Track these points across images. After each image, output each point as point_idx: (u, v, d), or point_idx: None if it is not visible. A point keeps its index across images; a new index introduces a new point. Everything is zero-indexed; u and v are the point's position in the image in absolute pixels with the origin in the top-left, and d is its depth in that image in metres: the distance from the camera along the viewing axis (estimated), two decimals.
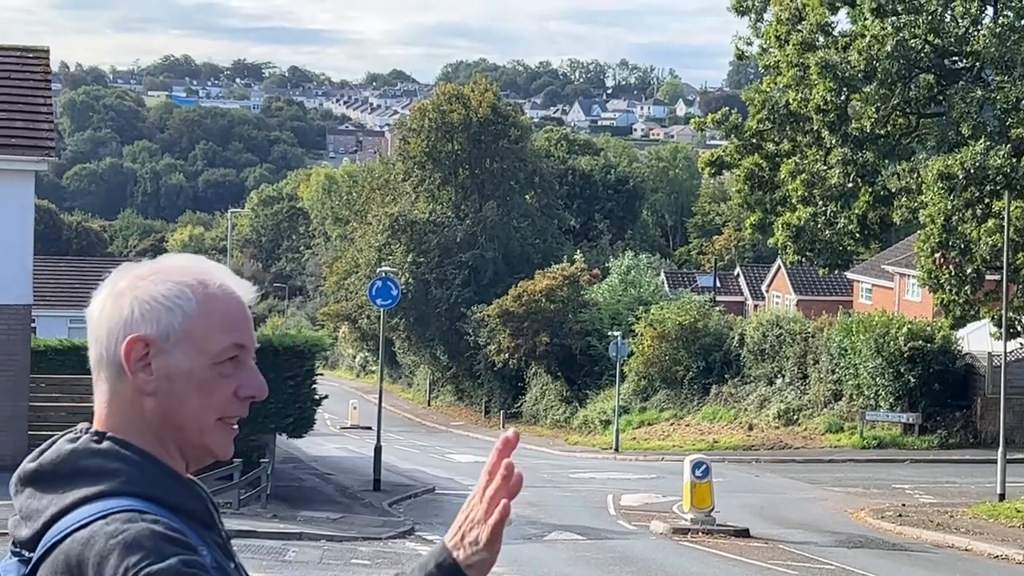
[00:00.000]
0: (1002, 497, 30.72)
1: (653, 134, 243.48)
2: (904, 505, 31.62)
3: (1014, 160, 34.37)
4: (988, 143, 34.43)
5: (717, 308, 59.06)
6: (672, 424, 52.78)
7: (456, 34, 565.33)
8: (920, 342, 44.04)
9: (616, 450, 49.22)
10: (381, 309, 37.19)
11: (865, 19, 36.97)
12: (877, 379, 44.75)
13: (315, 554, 21.48)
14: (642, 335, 54.77)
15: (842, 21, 39.42)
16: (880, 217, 38.51)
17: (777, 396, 49.53)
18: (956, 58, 37.44)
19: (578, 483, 38.05)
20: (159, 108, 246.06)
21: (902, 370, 44.05)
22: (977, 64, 36.77)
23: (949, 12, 36.47)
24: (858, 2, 37.11)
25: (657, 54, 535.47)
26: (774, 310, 61.60)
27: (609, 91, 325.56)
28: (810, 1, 37.55)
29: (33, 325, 27.80)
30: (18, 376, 25.61)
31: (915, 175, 37.29)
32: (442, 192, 72.40)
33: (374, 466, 33.99)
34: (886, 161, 37.83)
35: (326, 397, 33.27)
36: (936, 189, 34.76)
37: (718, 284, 76.78)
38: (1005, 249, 31.91)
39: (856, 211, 37.87)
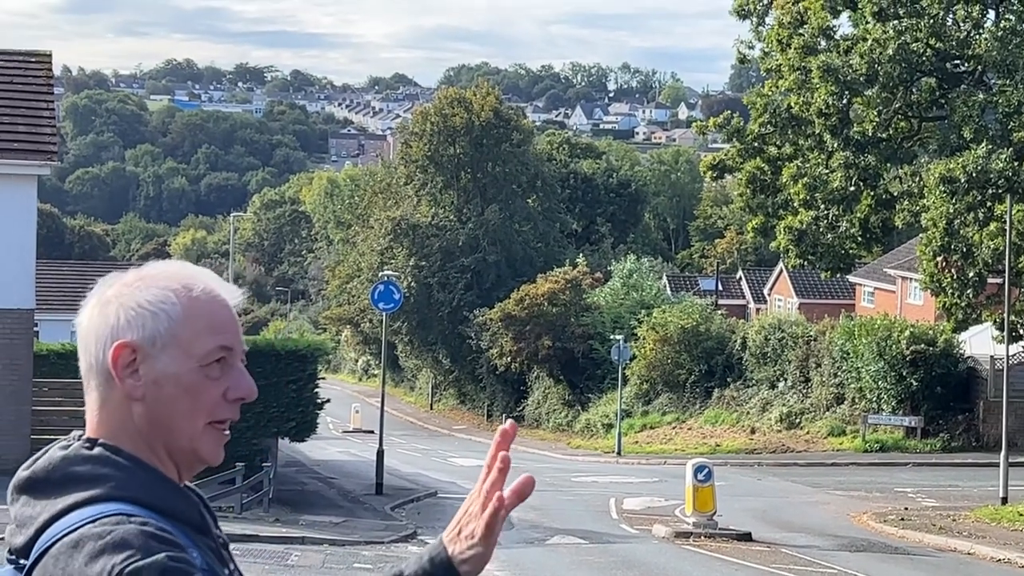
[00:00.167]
0: (1004, 501, 30.69)
1: (655, 138, 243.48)
2: (906, 509, 31.60)
3: (1016, 163, 34.40)
4: (990, 147, 34.44)
5: (719, 311, 59.05)
6: (674, 428, 52.76)
7: (458, 38, 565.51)
8: (922, 345, 44.01)
9: (618, 454, 49.20)
10: (383, 313, 37.20)
11: (867, 23, 36.99)
12: (879, 382, 44.73)
13: (317, 558, 21.49)
14: (644, 339, 54.77)
15: (844, 25, 39.48)
16: (882, 221, 38.53)
17: (779, 400, 49.51)
18: (958, 62, 37.45)
19: (580, 487, 38.04)
20: (161, 112, 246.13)
21: (904, 373, 44.03)
22: (979, 68, 36.79)
23: (951, 16, 36.51)
24: (860, 6, 37.13)
25: (659, 58, 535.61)
26: (776, 313, 61.58)
27: (611, 95, 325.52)
28: (812, 5, 37.57)
29: (35, 329, 27.84)
30: (20, 380, 25.63)
31: (917, 179, 37.33)
32: (444, 196, 72.39)
33: (376, 470, 33.99)
34: (888, 165, 37.88)
35: (328, 401, 33.26)
36: (938, 193, 34.78)
37: (720, 287, 76.74)
38: (1007, 252, 31.91)
39: (858, 215, 37.89)
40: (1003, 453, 31.25)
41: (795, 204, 38.28)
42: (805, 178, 37.58)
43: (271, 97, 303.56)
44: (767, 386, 50.67)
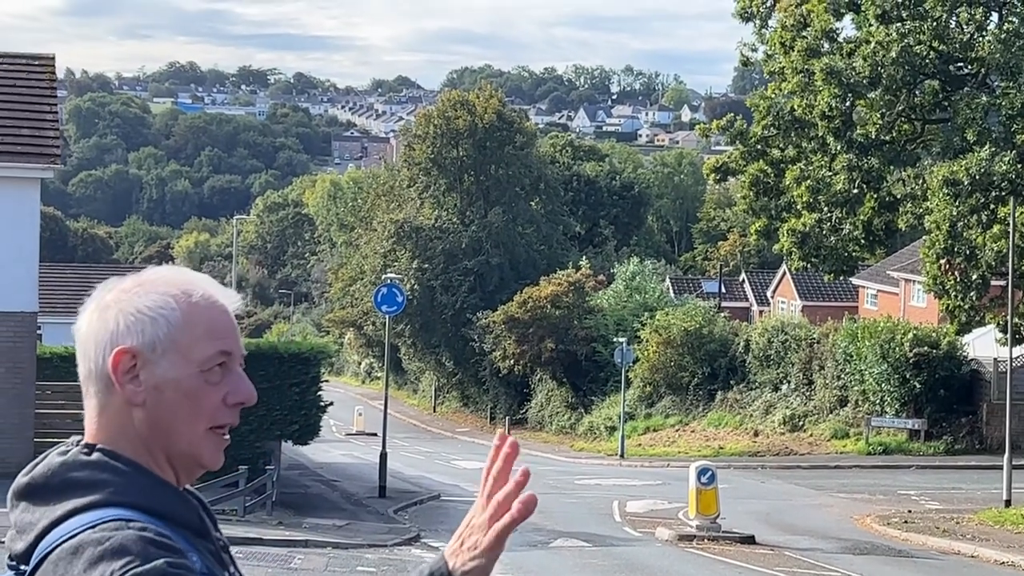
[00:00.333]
0: (1008, 503, 30.68)
1: (658, 140, 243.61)
2: (910, 511, 31.58)
3: (1019, 166, 34.37)
4: (993, 149, 34.41)
5: (722, 314, 59.06)
6: (677, 430, 52.75)
7: (461, 40, 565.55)
8: (926, 348, 44.00)
9: (621, 456, 49.19)
10: (386, 315, 37.21)
11: (870, 25, 36.97)
12: (883, 385, 44.72)
13: (321, 561, 21.48)
14: (647, 341, 54.76)
15: (847, 27, 39.42)
16: (885, 223, 38.51)
17: (782, 402, 49.50)
18: (961, 64, 37.43)
19: (583, 489, 38.02)
20: (164, 115, 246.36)
21: (908, 376, 44.02)
22: (982, 70, 36.77)
23: (954, 18, 36.47)
24: (863, 8, 37.12)
25: (662, 60, 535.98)
26: (779, 316, 61.56)
27: (614, 97, 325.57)
28: (815, 7, 37.55)
29: (39, 332, 27.86)
30: (24, 383, 25.64)
31: (920, 181, 37.30)
32: (447, 198, 72.40)
33: (379, 473, 33.99)
34: (891, 167, 37.85)
35: (331, 404, 33.26)
36: (941, 195, 34.75)
37: (723, 290, 76.74)
38: (1011, 255, 31.90)
39: (861, 217, 37.87)
40: (1006, 456, 31.23)
41: (798, 207, 38.25)
42: (808, 181, 37.56)
43: (274, 100, 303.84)
44: (770, 389, 50.66)
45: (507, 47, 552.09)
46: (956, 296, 35.74)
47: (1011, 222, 31.91)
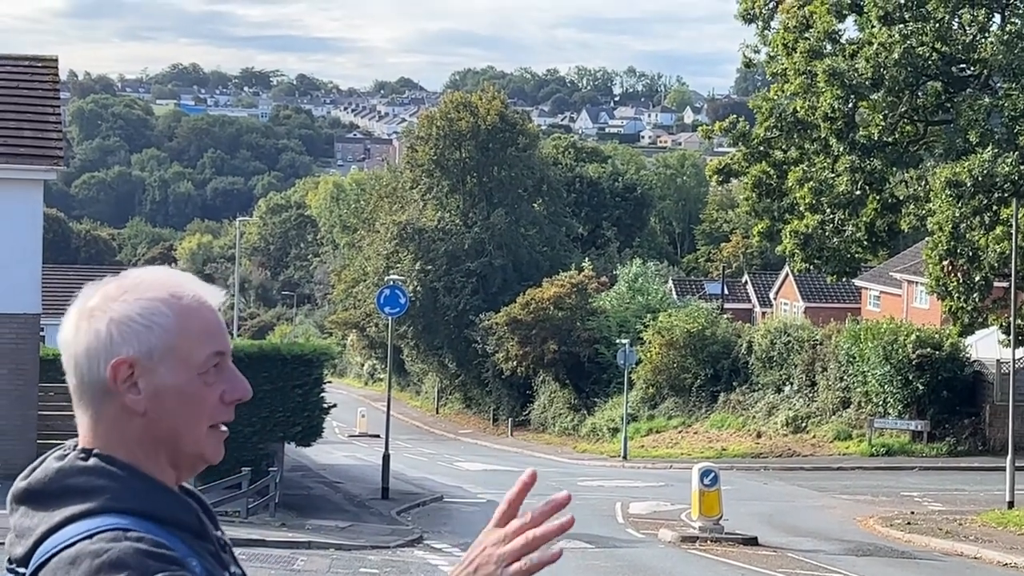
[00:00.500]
0: (1011, 505, 30.67)
1: (661, 141, 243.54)
2: (913, 513, 31.57)
3: (1022, 167, 34.36)
4: (996, 150, 34.42)
5: (725, 315, 59.03)
6: (680, 432, 52.74)
7: (463, 42, 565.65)
8: (928, 349, 43.99)
9: (624, 458, 49.18)
10: (389, 317, 37.21)
11: (872, 27, 36.96)
12: (885, 386, 44.70)
13: (324, 563, 21.49)
14: (650, 343, 54.76)
15: (849, 29, 39.49)
16: (888, 224, 38.50)
17: (785, 404, 49.49)
18: (964, 65, 37.42)
19: (586, 491, 38.01)
20: (167, 116, 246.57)
21: (910, 377, 44.00)
22: (985, 71, 36.76)
23: (956, 20, 36.48)
24: (865, 10, 37.12)
25: (664, 61, 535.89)
26: (782, 317, 61.55)
27: (616, 98, 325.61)
28: (817, 9, 37.56)
29: (42, 334, 27.85)
30: (27, 385, 25.65)
31: (923, 182, 37.29)
32: (450, 200, 72.42)
33: (382, 474, 33.98)
34: (894, 169, 37.84)
35: (334, 405, 33.26)
36: (944, 196, 34.75)
37: (726, 291, 76.69)
38: (1013, 256, 31.89)
39: (864, 218, 37.86)
40: (1009, 457, 31.21)
41: (801, 208, 38.25)
42: (811, 182, 37.55)
43: (277, 101, 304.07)
44: (773, 390, 50.65)
45: (509, 48, 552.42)
46: (959, 297, 35.73)
47: (1014, 223, 31.90)
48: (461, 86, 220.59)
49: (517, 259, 70.14)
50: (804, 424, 48.01)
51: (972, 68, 37.28)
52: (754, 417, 50.16)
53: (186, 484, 2.48)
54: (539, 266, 69.18)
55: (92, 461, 2.36)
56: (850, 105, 37.06)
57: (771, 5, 39.67)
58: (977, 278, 35.11)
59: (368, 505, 31.99)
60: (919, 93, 37.42)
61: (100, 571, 2.20)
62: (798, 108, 37.67)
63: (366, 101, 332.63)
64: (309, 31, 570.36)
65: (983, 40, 36.34)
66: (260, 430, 28.82)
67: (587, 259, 68.74)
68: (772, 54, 39.68)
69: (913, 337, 44.33)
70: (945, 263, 35.40)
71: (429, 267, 68.74)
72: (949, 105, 37.08)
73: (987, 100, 35.52)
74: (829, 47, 37.76)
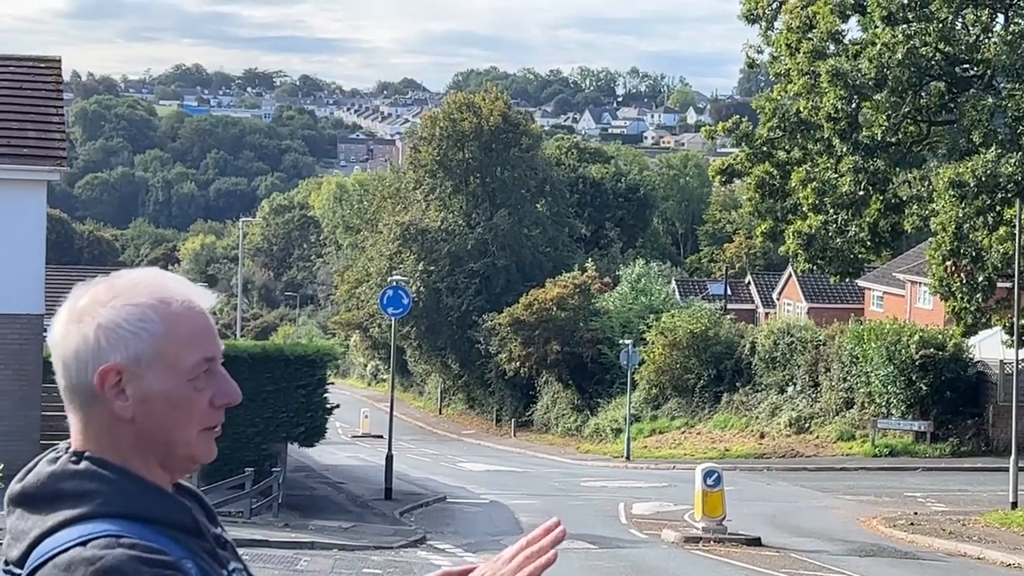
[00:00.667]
0: (1014, 505, 30.66)
1: (664, 142, 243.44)
2: (916, 513, 31.56)
3: None
4: (999, 151, 34.38)
5: (728, 316, 59.03)
6: (683, 432, 52.74)
7: (466, 43, 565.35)
8: (932, 350, 43.98)
9: (627, 458, 49.19)
10: (392, 318, 37.22)
11: (876, 27, 36.92)
12: (889, 387, 44.70)
13: (327, 563, 21.49)
14: (653, 343, 54.76)
15: (853, 29, 39.37)
16: (891, 225, 38.47)
17: (788, 404, 49.48)
18: (967, 66, 37.39)
19: (589, 491, 38.02)
20: (170, 117, 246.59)
21: (914, 378, 44.00)
22: (988, 72, 36.72)
23: (960, 20, 36.44)
24: (869, 10, 37.08)
25: (668, 62, 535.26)
26: (785, 318, 61.52)
27: (619, 99, 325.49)
28: (820, 9, 37.53)
29: (44, 334, 27.86)
30: (30, 385, 25.66)
31: (926, 183, 37.28)
32: (453, 200, 72.43)
33: (385, 475, 34.00)
34: (897, 169, 37.80)
35: (337, 406, 33.29)
36: (947, 197, 34.73)
37: (729, 292, 76.67)
38: (1016, 257, 31.87)
39: (867, 219, 37.83)
40: (1013, 457, 31.18)
41: (804, 208, 38.21)
42: (814, 182, 37.52)
43: (280, 102, 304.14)
44: (776, 391, 50.64)
45: (512, 49, 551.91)
46: (962, 298, 35.70)
47: (1017, 224, 31.89)
48: (464, 87, 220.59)
49: (520, 260, 70.15)
50: (807, 425, 48.00)
51: (975, 68, 37.25)
52: (757, 418, 50.15)
53: (183, 481, 2.48)
54: (542, 267, 69.18)
55: (83, 465, 2.36)
56: (853, 105, 37.02)
57: (774, 5, 39.64)
58: (980, 278, 35.08)
59: (371, 505, 32.00)
60: (922, 93, 37.38)
61: None
62: (801, 108, 37.63)
63: (369, 102, 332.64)
64: (312, 32, 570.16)
65: (986, 40, 36.31)
66: (263, 431, 28.84)
67: (590, 260, 68.71)
68: (775, 54, 39.65)
69: (916, 338, 44.33)
70: (948, 263, 35.37)
71: (432, 268, 68.75)
72: (952, 105, 37.04)
73: (990, 100, 35.48)
74: (832, 47, 37.72)
